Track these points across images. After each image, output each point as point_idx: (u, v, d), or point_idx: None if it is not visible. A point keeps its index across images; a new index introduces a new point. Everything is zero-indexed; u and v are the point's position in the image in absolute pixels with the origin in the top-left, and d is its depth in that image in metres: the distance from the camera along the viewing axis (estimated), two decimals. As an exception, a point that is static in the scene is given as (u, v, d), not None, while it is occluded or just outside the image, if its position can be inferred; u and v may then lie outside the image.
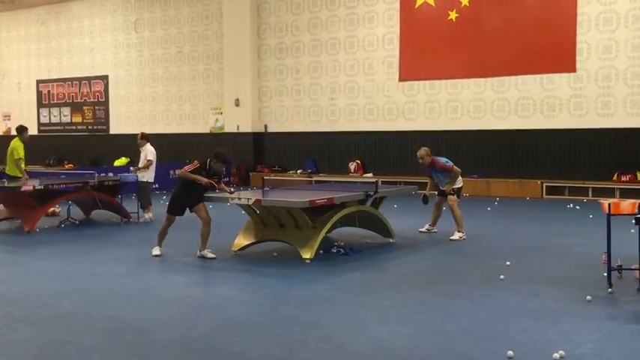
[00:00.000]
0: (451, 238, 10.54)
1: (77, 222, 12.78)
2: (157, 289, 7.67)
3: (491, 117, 17.48)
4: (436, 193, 11.11)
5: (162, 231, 9.45)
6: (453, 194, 10.79)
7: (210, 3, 22.04)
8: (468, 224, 11.46)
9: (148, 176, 13.14)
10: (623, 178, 15.58)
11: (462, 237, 10.55)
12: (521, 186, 16.67)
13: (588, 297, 6.89)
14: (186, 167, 9.24)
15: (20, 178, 12.75)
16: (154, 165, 13.20)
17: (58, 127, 26.20)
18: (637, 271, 7.19)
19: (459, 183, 11.05)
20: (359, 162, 19.32)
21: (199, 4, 22.31)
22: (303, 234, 8.98)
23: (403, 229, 11.03)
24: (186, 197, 9.21)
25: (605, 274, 7.26)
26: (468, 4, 17.49)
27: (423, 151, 10.90)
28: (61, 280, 8.12)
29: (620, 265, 7.42)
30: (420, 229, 11.17)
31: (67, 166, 22.89)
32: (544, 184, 16.44)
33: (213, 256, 9.09)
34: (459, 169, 10.91)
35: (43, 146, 25.79)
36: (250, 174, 20.68)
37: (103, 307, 6.78)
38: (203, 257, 9.08)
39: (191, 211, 9.32)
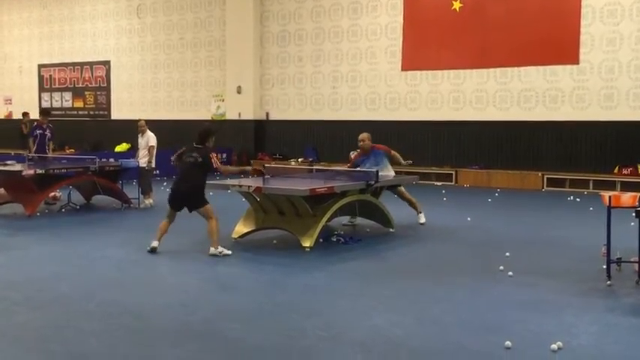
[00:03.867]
0: (421, 222, 10.73)
1: (78, 207, 12.79)
2: (156, 275, 7.69)
3: (494, 108, 17.44)
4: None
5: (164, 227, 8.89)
6: (399, 185, 10.90)
7: (214, -11, 21.96)
8: (468, 215, 11.51)
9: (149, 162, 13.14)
10: (625, 171, 15.55)
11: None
12: (521, 178, 16.65)
13: (510, 273, 7.41)
14: (219, 163, 9.04)
15: None
16: (154, 151, 13.21)
17: (60, 112, 26.12)
18: (636, 264, 7.19)
19: (392, 171, 11.04)
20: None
21: (202, -10, 22.24)
22: (304, 222, 8.98)
23: (403, 219, 11.03)
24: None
25: (605, 267, 7.26)
26: (472, -6, 17.42)
27: (367, 134, 10.90)
28: (61, 264, 8.14)
29: (620, 258, 7.43)
30: (420, 222, 11.01)
31: (68, 151, 22.85)
32: (545, 176, 16.42)
33: (228, 252, 8.63)
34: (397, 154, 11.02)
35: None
36: (251, 161, 20.64)
37: (101, 291, 6.80)
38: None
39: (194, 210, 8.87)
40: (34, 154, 13.75)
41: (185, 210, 8.90)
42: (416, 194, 11.83)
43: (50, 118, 14.76)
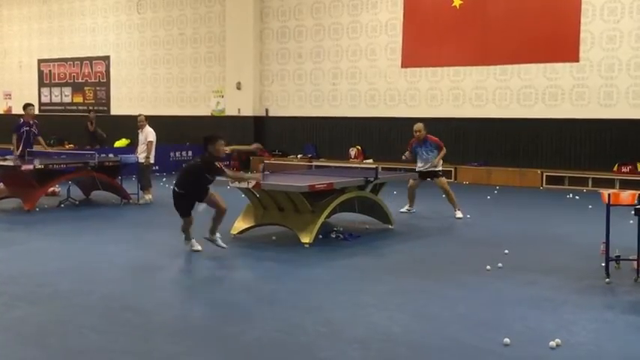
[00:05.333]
0: (458, 216, 11.19)
1: (77, 202, 12.78)
2: (155, 270, 7.69)
3: (493, 105, 17.43)
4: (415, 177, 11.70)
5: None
6: (442, 175, 11.68)
7: (214, -15, 21.93)
8: (467, 212, 11.52)
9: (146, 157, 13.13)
10: (624, 169, 15.56)
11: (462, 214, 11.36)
12: (521, 175, 16.65)
13: (488, 267, 7.51)
14: (226, 170, 8.71)
15: None
16: (154, 146, 13.19)
17: (59, 107, 26.13)
18: (635, 262, 7.20)
19: (441, 165, 11.85)
20: (359, 148, 19.29)
21: (202, -15, 22.20)
22: (303, 218, 8.99)
23: (402, 216, 11.04)
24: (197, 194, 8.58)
25: (603, 265, 7.28)
26: (472, -9, 17.40)
27: (422, 125, 11.81)
28: (60, 259, 8.15)
29: (619, 256, 7.44)
30: (401, 210, 11.61)
31: (67, 147, 22.86)
32: (544, 174, 16.43)
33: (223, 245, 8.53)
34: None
35: (44, 126, 25.70)
36: (250, 158, 20.65)
37: (101, 286, 6.80)
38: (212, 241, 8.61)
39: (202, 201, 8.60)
40: (21, 151, 13.34)
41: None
42: (416, 191, 11.84)
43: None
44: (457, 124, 17.64)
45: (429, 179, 11.73)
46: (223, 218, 8.58)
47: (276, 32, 20.75)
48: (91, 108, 23.04)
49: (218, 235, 8.56)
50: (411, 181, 11.74)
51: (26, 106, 13.95)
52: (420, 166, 11.74)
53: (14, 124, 13.82)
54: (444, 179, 11.66)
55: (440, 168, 11.74)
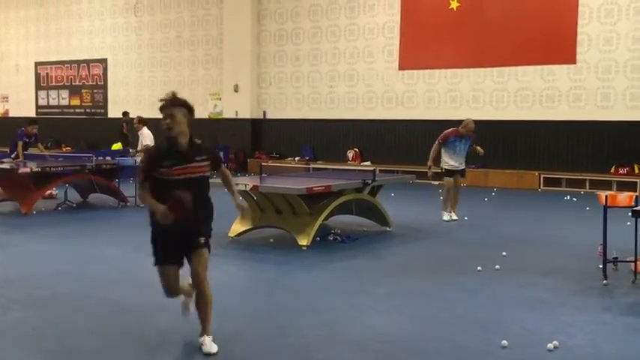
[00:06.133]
0: (445, 219, 11.06)
1: (74, 205, 12.77)
2: (152, 274, 7.64)
3: (491, 107, 17.45)
4: (447, 175, 11.35)
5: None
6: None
7: (211, -12, 21.93)
8: (465, 214, 11.52)
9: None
10: (621, 171, 15.59)
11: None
12: (518, 177, 16.66)
13: (479, 267, 7.53)
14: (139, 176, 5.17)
15: None
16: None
17: (56, 110, 26.11)
18: (632, 264, 7.21)
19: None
20: (357, 150, 19.30)
21: (200, -12, 22.20)
22: (300, 221, 8.98)
23: (400, 218, 11.04)
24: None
25: (601, 266, 7.28)
26: (469, -6, 17.42)
27: (473, 122, 11.45)
28: (57, 262, 8.13)
29: (616, 258, 7.45)
30: (444, 219, 11.18)
31: (64, 149, 22.83)
32: (542, 176, 16.44)
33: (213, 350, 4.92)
34: None
35: (41, 129, 25.62)
36: (248, 160, 20.65)
37: (98, 290, 6.79)
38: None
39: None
40: (15, 156, 13.88)
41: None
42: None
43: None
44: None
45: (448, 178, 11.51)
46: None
47: (274, 35, 20.76)
48: (125, 111, 23.05)
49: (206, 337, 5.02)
50: (449, 181, 11.26)
51: (31, 123, 14.57)
52: (452, 163, 11.34)
53: (18, 133, 14.26)
54: (461, 180, 11.54)
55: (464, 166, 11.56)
